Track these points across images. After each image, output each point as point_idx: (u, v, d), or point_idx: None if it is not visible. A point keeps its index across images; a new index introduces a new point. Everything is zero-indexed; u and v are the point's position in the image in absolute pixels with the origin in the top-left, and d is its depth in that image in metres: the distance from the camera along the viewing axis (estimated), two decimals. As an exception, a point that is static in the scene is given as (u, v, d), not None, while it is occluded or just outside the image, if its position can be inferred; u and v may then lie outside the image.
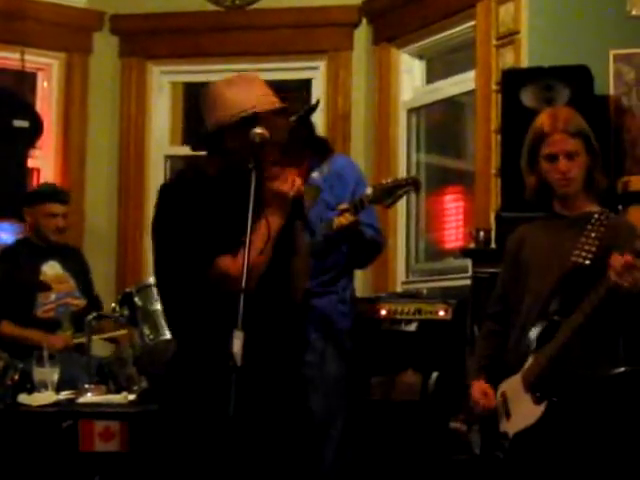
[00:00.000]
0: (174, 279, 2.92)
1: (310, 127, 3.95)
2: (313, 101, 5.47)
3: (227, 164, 2.90)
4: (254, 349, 2.72)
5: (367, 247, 4.13)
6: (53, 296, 5.13)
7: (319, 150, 4.09)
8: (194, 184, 2.97)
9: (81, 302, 5.20)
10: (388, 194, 3.85)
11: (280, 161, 2.92)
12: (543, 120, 3.31)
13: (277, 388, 2.95)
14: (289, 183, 2.91)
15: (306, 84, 6.21)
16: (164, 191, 3.03)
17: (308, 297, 3.47)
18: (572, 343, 3.13)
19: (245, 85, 2.96)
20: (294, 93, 6.21)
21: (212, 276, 2.84)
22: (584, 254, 3.20)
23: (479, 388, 3.36)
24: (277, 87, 3.11)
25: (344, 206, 3.91)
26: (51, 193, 5.29)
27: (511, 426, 3.25)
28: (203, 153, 3.04)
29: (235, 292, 2.70)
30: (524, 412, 3.20)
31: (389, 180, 3.94)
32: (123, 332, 4.74)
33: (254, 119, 2.86)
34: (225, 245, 2.84)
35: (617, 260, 3.01)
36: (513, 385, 3.26)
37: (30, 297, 5.09)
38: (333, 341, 4.10)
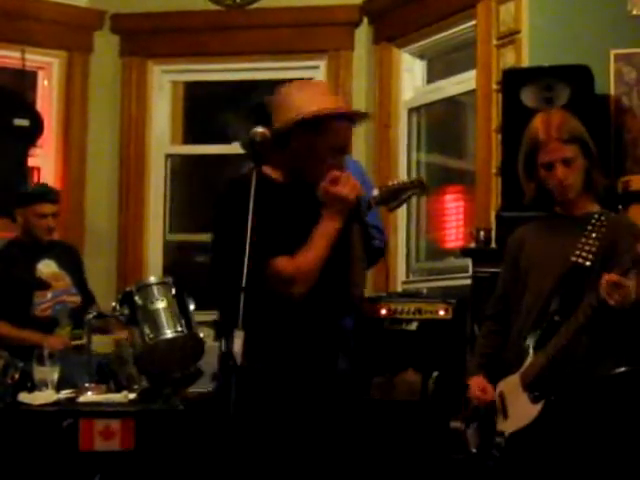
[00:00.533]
0: (229, 276, 2.88)
1: None
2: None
3: (291, 166, 2.94)
4: (306, 349, 2.88)
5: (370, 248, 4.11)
6: (49, 294, 5.12)
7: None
8: (259, 184, 2.94)
9: (77, 298, 5.19)
10: (394, 197, 3.82)
11: (333, 165, 2.96)
12: (537, 127, 3.28)
13: (322, 386, 2.99)
14: (350, 186, 2.92)
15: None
16: (231, 185, 3.03)
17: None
18: (573, 343, 3.13)
19: (311, 89, 3.03)
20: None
21: (266, 275, 2.84)
22: (584, 254, 3.20)
23: (477, 383, 3.36)
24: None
25: None
26: (41, 193, 5.26)
27: (508, 425, 3.25)
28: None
29: (290, 296, 2.81)
30: (521, 411, 3.20)
31: (395, 182, 3.90)
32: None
33: (316, 122, 2.91)
34: (282, 248, 2.86)
35: (606, 278, 3.02)
36: (511, 384, 3.26)
37: (27, 296, 5.07)
38: None
